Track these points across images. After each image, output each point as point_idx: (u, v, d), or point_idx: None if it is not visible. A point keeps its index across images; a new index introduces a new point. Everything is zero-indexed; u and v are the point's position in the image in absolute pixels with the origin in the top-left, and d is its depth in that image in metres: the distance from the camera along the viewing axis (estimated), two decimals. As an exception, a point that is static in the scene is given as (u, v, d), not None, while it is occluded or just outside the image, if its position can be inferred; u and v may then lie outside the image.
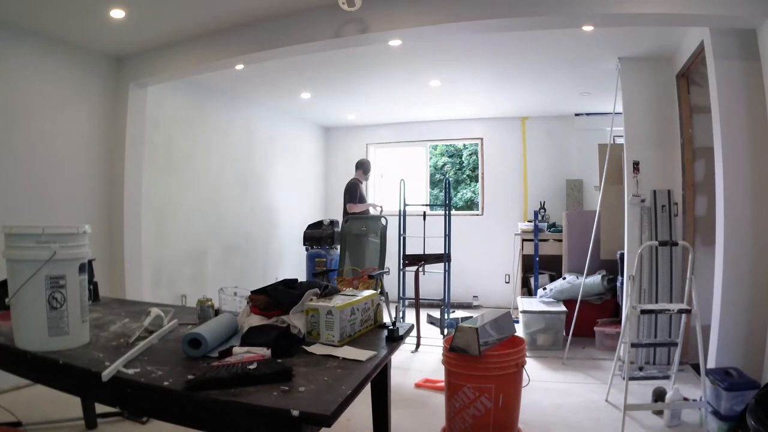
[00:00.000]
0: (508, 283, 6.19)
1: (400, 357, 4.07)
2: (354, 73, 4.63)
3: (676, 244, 3.31)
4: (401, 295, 5.11)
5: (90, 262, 1.88)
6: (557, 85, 4.96)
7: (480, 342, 2.42)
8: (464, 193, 9.72)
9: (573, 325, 4.10)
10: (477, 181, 7.68)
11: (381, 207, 5.80)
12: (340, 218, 5.53)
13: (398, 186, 5.27)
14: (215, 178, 5.15)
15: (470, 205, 9.27)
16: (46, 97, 3.56)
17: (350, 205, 5.48)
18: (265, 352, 1.48)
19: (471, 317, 4.72)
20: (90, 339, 1.72)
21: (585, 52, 3.96)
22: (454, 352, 2.51)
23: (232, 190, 5.40)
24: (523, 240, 5.75)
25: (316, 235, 5.58)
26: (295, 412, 1.13)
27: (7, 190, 3.30)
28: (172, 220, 4.60)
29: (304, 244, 5.67)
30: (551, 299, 4.68)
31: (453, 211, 5.60)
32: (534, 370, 3.69)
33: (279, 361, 1.46)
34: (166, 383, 1.31)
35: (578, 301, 4.14)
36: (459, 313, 5.17)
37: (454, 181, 9.67)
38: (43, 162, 3.54)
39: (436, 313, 5.09)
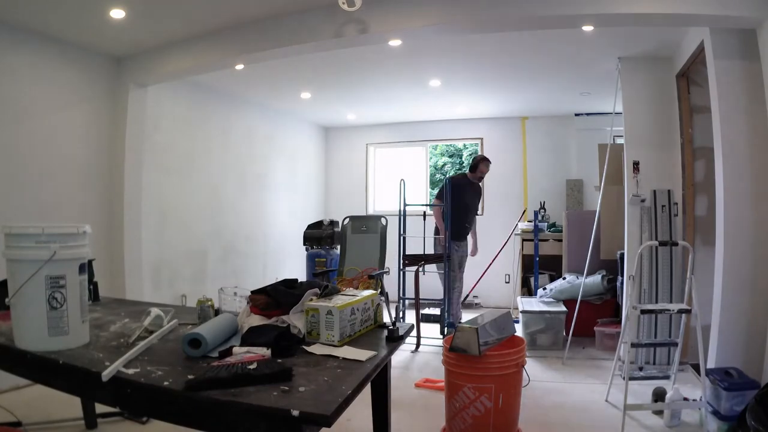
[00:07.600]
0: (508, 283, 6.19)
1: (400, 357, 4.07)
2: (354, 73, 4.62)
3: (676, 244, 3.30)
4: (401, 295, 5.11)
5: (90, 262, 1.88)
6: (557, 85, 4.96)
7: (480, 342, 2.43)
8: (464, 192, 9.69)
9: (573, 325, 4.10)
10: (477, 181, 7.64)
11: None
12: (340, 218, 5.52)
13: (398, 186, 5.27)
14: (215, 178, 5.15)
15: (470, 205, 9.24)
16: (46, 97, 3.56)
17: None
18: (265, 352, 1.48)
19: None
20: (90, 339, 1.72)
21: (585, 52, 3.96)
22: (454, 352, 2.51)
23: (232, 189, 5.40)
24: (523, 240, 5.75)
25: (316, 235, 5.58)
26: (295, 412, 1.13)
27: (7, 190, 3.30)
28: (172, 220, 4.60)
29: (304, 244, 5.67)
30: (551, 299, 4.68)
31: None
32: (534, 370, 3.69)
33: (279, 361, 1.45)
34: (166, 383, 1.31)
35: (578, 301, 4.14)
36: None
37: (454, 181, 9.64)
38: (43, 162, 3.54)
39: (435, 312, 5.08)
